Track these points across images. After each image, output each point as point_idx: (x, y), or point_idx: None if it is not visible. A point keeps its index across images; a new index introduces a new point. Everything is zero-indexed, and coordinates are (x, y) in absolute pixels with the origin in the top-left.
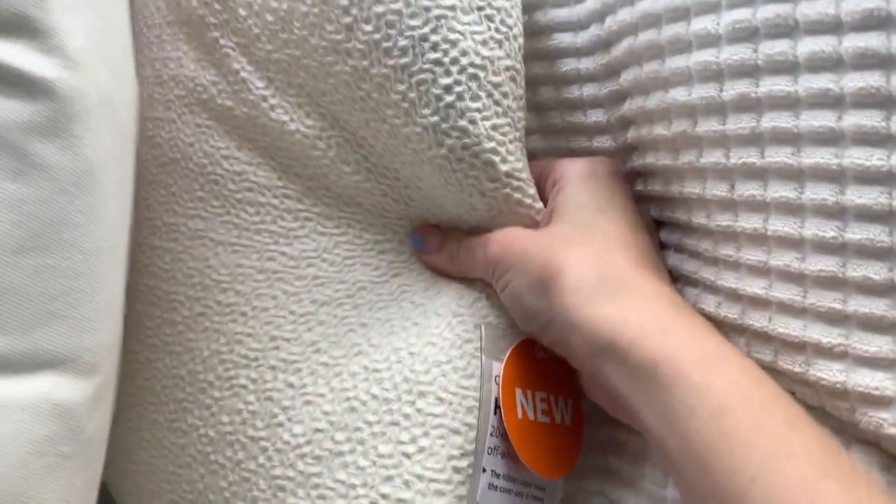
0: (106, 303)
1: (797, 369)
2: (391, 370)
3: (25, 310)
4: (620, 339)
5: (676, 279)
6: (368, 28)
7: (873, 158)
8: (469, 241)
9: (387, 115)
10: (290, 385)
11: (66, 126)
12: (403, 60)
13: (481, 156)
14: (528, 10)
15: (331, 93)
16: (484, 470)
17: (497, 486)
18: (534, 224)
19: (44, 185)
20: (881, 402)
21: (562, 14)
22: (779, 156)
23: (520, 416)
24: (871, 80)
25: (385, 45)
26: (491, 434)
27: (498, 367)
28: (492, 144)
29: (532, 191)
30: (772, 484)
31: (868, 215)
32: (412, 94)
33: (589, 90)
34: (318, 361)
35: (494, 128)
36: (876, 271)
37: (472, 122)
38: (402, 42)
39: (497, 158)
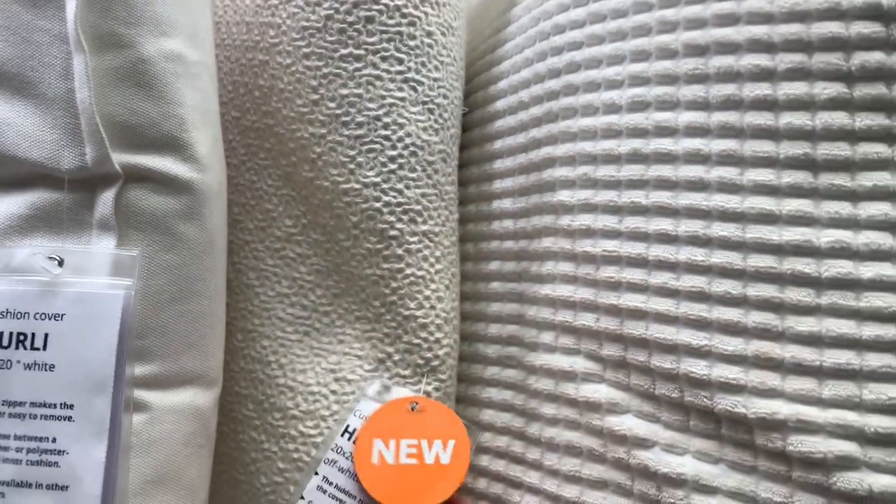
0: (220, 334)
1: (668, 366)
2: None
3: (175, 342)
4: None
5: (551, 304)
6: (332, 105)
7: (731, 202)
8: None
9: (330, 174)
10: (252, 440)
11: (199, 211)
12: (358, 132)
13: (409, 213)
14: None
15: (289, 154)
16: (317, 473)
17: (326, 491)
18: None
19: (185, 253)
20: (736, 389)
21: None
22: (660, 198)
23: (375, 461)
24: (731, 145)
25: (344, 119)
26: (333, 450)
27: (368, 408)
28: (419, 207)
29: (439, 253)
30: None
31: (728, 245)
32: (360, 158)
33: (507, 142)
34: (267, 421)
35: (424, 195)
36: (733, 287)
37: (408, 187)
38: (360, 118)
39: (420, 219)
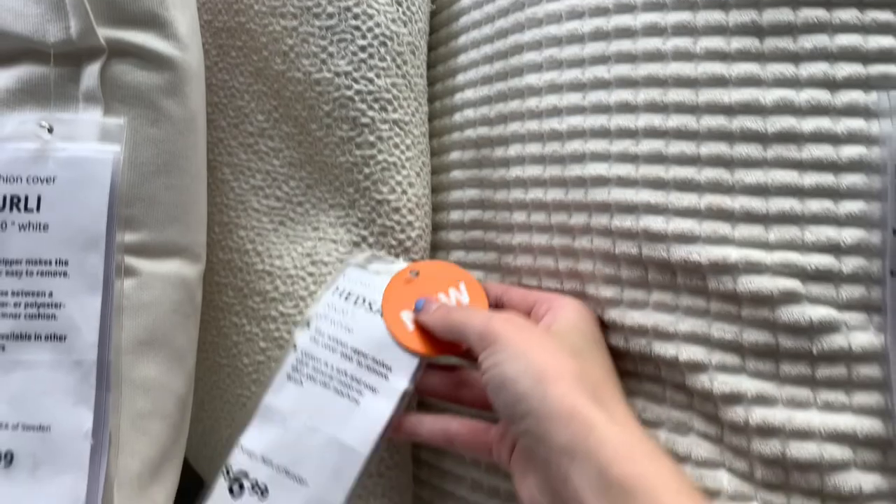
0: (202, 212)
1: (628, 224)
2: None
3: (161, 213)
4: (604, 448)
5: (522, 185)
6: None
7: (686, 69)
8: (469, 308)
9: (302, 65)
10: (234, 324)
11: (181, 88)
12: (329, 22)
13: (380, 101)
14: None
15: (261, 50)
16: (308, 326)
17: (319, 342)
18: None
19: (169, 128)
20: (691, 239)
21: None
22: (621, 71)
23: (411, 329)
24: (685, 17)
25: (316, 10)
26: (326, 306)
27: (356, 274)
28: (389, 96)
29: (409, 141)
30: None
31: (683, 109)
32: (332, 48)
33: (472, 35)
34: (247, 305)
35: (394, 85)
36: (688, 147)
37: (378, 76)
38: (330, 9)
39: (390, 107)
